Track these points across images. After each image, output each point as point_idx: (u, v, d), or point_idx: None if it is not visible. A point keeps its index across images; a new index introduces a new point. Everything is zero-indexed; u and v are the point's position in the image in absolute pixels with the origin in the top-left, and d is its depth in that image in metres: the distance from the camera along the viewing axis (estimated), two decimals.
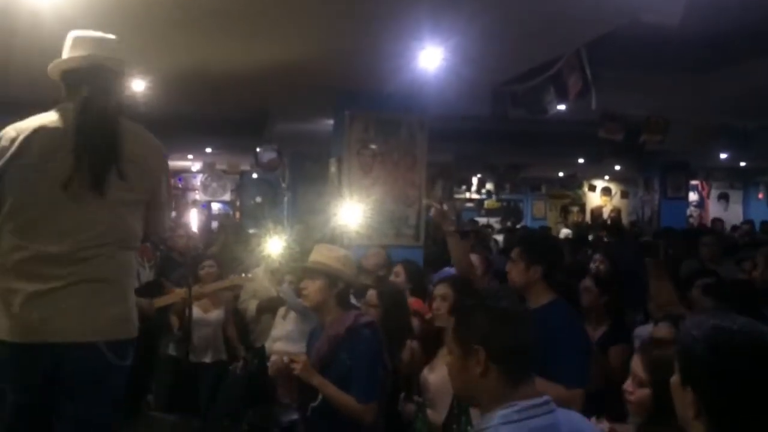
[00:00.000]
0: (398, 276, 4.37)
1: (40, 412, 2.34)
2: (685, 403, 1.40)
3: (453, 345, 1.68)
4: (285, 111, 7.16)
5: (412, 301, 4.19)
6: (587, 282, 4.10)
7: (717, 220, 12.95)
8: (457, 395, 1.77)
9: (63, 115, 2.37)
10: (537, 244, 3.10)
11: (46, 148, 2.31)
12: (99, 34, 2.50)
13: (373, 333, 2.96)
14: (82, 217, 2.32)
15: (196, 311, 4.94)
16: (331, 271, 2.97)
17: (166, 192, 2.58)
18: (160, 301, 4.44)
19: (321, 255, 3.06)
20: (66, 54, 2.46)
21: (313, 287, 2.99)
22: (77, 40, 2.46)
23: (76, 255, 2.30)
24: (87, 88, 2.39)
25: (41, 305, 2.26)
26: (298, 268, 3.28)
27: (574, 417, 1.67)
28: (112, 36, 2.53)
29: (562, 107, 5.27)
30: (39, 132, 2.32)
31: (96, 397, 2.35)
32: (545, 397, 1.60)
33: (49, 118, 2.38)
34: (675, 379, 1.44)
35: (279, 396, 3.59)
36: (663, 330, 3.04)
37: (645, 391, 2.11)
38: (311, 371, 2.90)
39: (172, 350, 5.03)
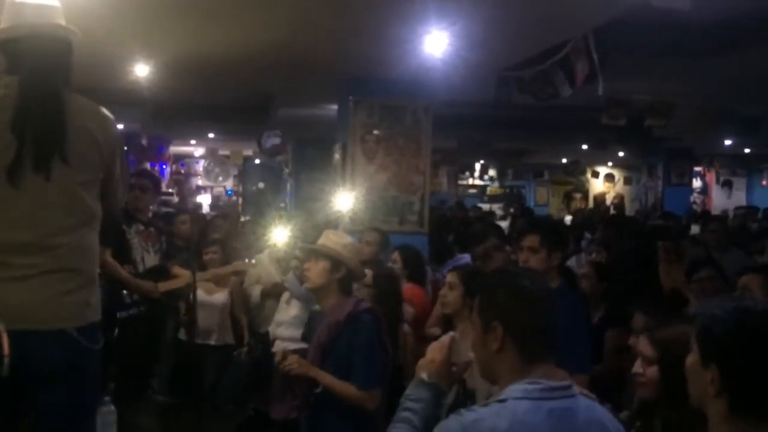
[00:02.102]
0: (395, 263, 4.38)
1: (10, 404, 2.24)
2: (704, 382, 1.41)
3: (476, 320, 1.71)
4: (289, 96, 7.13)
5: (407, 288, 4.21)
6: (585, 269, 4.24)
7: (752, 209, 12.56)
8: (479, 372, 1.79)
9: (3, 92, 2.24)
10: (558, 232, 3.11)
11: None
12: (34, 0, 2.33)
13: (373, 319, 2.95)
14: (40, 201, 2.21)
15: (200, 294, 4.95)
16: (334, 255, 2.97)
17: (120, 168, 2.46)
18: (165, 285, 4.44)
19: (327, 240, 3.06)
20: (3, 22, 2.30)
21: (315, 269, 2.98)
22: (12, 6, 2.28)
23: (43, 242, 2.21)
24: (27, 64, 2.24)
25: (8, 293, 2.18)
26: (303, 248, 3.27)
27: (595, 406, 1.67)
28: (50, 2, 2.35)
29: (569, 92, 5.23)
30: None
31: (76, 382, 2.29)
32: (568, 382, 1.61)
33: None
34: (693, 358, 1.45)
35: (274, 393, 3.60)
36: (638, 321, 3.06)
37: (655, 369, 2.14)
38: (306, 365, 2.89)
39: (181, 335, 5.05)
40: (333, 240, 3.06)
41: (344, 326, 2.88)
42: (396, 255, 4.39)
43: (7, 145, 2.17)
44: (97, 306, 2.39)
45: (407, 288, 4.21)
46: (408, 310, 3.93)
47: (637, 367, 2.20)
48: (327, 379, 2.85)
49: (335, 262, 2.96)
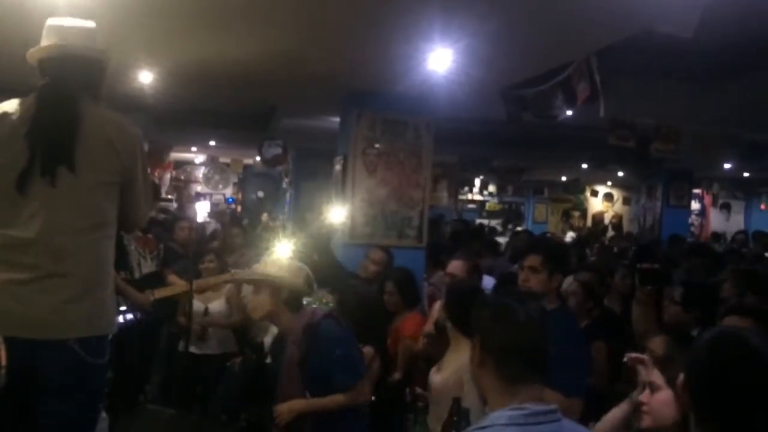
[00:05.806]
0: (391, 295, 4.28)
1: (11, 411, 2.22)
2: (684, 402, 1.48)
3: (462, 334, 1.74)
4: (292, 107, 7.14)
5: (410, 319, 4.18)
6: (573, 286, 4.24)
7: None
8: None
9: (23, 104, 2.31)
10: (560, 254, 3.09)
11: (4, 137, 2.25)
12: (71, 21, 2.41)
13: (334, 321, 3.02)
14: (46, 204, 2.22)
15: (196, 303, 4.93)
16: (269, 282, 3.03)
17: (143, 179, 2.45)
18: (160, 292, 4.43)
19: (265, 267, 3.16)
20: (42, 42, 2.39)
21: (256, 300, 3.08)
22: (50, 29, 2.38)
23: (46, 242, 2.20)
24: (48, 78, 2.33)
25: (15, 296, 2.17)
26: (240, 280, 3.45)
27: (579, 429, 1.67)
28: (87, 23, 2.43)
29: (569, 113, 5.24)
30: (2, 120, 2.26)
31: (75, 397, 2.24)
32: (553, 406, 1.60)
33: (12, 106, 2.31)
34: (681, 377, 1.49)
35: None
36: (657, 346, 3.01)
37: (661, 395, 2.08)
38: (292, 408, 2.93)
39: (181, 347, 5.02)
40: (270, 266, 3.13)
41: (306, 338, 2.94)
42: (390, 286, 4.28)
43: (21, 152, 2.22)
44: (106, 317, 2.34)
45: (409, 319, 4.19)
46: (412, 345, 3.92)
47: (644, 397, 2.11)
48: (315, 405, 2.92)
49: (273, 288, 3.02)
